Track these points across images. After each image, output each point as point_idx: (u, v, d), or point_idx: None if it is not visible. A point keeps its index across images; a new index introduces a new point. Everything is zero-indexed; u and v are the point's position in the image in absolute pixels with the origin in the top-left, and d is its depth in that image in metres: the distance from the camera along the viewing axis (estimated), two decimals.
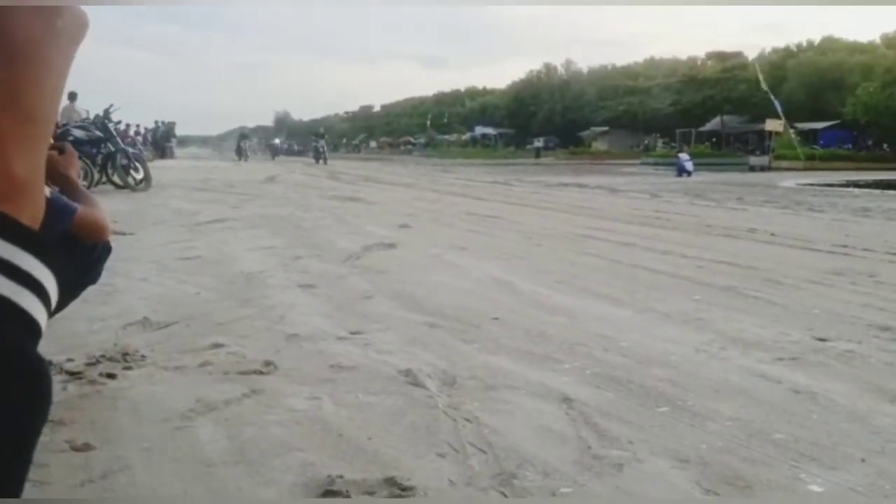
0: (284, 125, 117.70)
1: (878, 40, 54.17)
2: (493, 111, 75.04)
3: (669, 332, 3.39)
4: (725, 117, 49.53)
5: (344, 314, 3.68)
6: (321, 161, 30.85)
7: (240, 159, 32.74)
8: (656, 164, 37.13)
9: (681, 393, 2.54)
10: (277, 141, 56.99)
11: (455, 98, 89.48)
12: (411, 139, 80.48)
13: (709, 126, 51.58)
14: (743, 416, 2.32)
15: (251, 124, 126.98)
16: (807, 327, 3.46)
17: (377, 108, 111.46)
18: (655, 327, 3.47)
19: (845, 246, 6.49)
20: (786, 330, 3.41)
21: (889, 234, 7.79)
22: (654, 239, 6.89)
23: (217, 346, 3.00)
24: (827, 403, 2.45)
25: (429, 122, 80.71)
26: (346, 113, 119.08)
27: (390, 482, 1.83)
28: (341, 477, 1.85)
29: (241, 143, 35.05)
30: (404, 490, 1.80)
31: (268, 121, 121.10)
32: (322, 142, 32.30)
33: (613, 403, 2.43)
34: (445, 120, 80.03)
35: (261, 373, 2.68)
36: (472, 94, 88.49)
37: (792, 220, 9.10)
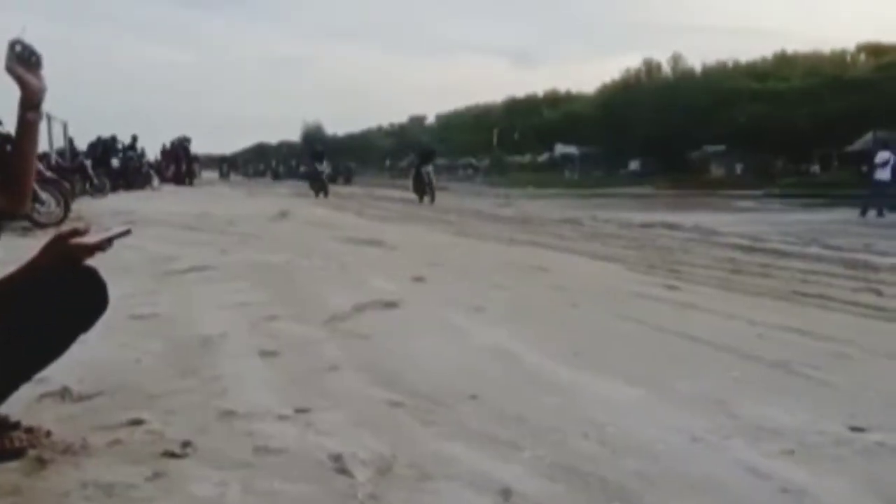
0: (315, 140, 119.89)
1: None
2: (577, 124, 74.96)
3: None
4: (880, 133, 48.90)
5: (298, 388, 4.08)
6: (321, 193, 30.13)
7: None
8: (783, 195, 36.95)
9: (647, 487, 2.85)
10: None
11: (530, 106, 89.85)
12: (473, 161, 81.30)
13: (858, 145, 51.07)
14: None
15: (274, 139, 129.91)
16: None
17: (431, 120, 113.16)
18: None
19: None
20: None
21: None
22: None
23: (136, 422, 3.42)
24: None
25: (495, 139, 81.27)
26: (392, 125, 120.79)
27: None
28: None
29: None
30: None
31: (294, 135, 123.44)
32: (323, 164, 31.57)
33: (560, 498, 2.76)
34: (516, 136, 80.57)
35: (174, 455, 3.08)
36: (553, 100, 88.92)
37: None
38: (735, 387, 4.21)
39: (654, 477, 2.96)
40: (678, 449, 3.27)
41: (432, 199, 25.92)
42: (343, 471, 2.97)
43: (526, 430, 3.46)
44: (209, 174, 64.17)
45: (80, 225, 3.01)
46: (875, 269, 9.54)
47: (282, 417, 3.60)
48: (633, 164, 63.58)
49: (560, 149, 73.52)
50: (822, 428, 3.54)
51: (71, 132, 28.88)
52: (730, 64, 71.95)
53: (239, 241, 11.92)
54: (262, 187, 46.34)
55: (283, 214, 18.59)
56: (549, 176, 64.35)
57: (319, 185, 30.44)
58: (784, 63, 68.02)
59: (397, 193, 33.70)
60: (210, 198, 28.14)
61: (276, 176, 73.16)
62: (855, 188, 31.18)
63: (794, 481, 2.93)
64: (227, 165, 75.13)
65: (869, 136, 49.90)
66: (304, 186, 33.76)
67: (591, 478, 2.94)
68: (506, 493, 2.79)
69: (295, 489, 2.82)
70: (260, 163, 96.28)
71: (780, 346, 5.18)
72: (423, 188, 26.68)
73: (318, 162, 31.26)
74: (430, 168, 27.01)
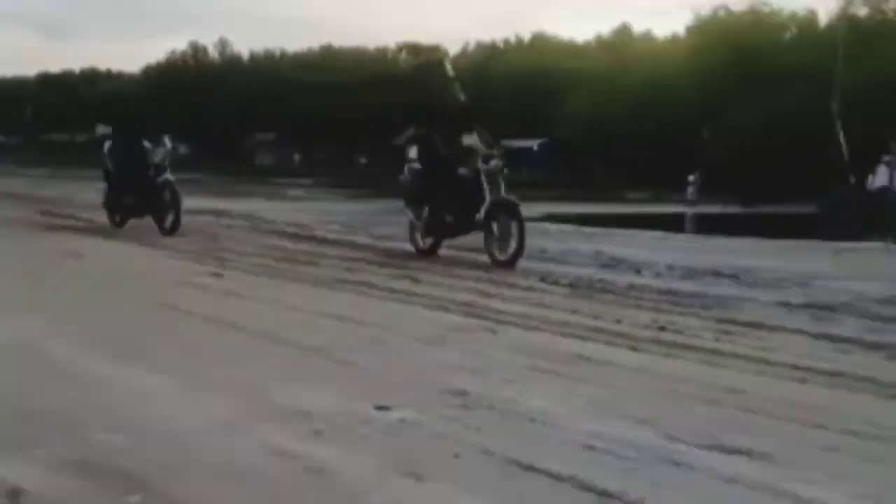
0: None
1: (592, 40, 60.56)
2: (121, 103, 72.27)
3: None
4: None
5: None
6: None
7: None
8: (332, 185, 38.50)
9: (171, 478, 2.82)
10: None
11: (67, 82, 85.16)
12: (2, 138, 75.45)
13: (401, 139, 54.42)
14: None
15: None
16: None
17: None
18: None
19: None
20: None
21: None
22: None
23: None
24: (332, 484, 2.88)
25: (28, 115, 75.97)
26: None
27: None
28: None
29: None
30: None
31: None
32: None
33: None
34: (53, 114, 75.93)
35: None
36: (92, 78, 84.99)
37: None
38: (271, 372, 4.31)
39: (180, 467, 2.93)
40: (209, 436, 3.28)
41: (520, 250, 9.18)
42: None
43: (44, 427, 3.27)
44: None
45: None
46: (410, 257, 10.24)
47: None
48: (183, 148, 62.62)
49: (101, 129, 70.43)
50: (350, 408, 3.73)
51: None
52: (277, 53, 73.46)
53: None
54: None
55: None
56: (92, 156, 61.33)
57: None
58: (330, 56, 70.67)
59: None
60: None
61: None
62: (398, 180, 33.26)
63: (320, 460, 3.05)
64: None
65: (411, 131, 53.39)
66: None
67: (113, 472, 2.84)
68: (14, 494, 2.61)
69: None
70: None
71: (320, 332, 5.39)
72: (465, 219, 9.90)
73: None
74: (492, 163, 10.16)
